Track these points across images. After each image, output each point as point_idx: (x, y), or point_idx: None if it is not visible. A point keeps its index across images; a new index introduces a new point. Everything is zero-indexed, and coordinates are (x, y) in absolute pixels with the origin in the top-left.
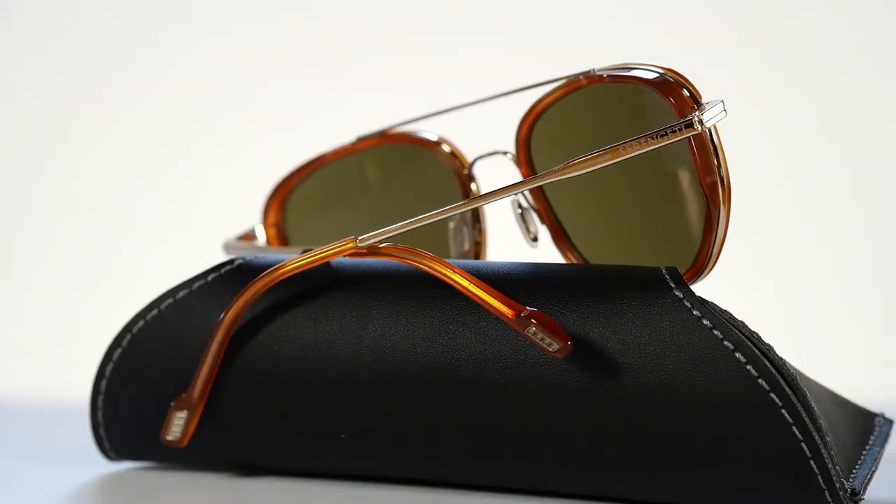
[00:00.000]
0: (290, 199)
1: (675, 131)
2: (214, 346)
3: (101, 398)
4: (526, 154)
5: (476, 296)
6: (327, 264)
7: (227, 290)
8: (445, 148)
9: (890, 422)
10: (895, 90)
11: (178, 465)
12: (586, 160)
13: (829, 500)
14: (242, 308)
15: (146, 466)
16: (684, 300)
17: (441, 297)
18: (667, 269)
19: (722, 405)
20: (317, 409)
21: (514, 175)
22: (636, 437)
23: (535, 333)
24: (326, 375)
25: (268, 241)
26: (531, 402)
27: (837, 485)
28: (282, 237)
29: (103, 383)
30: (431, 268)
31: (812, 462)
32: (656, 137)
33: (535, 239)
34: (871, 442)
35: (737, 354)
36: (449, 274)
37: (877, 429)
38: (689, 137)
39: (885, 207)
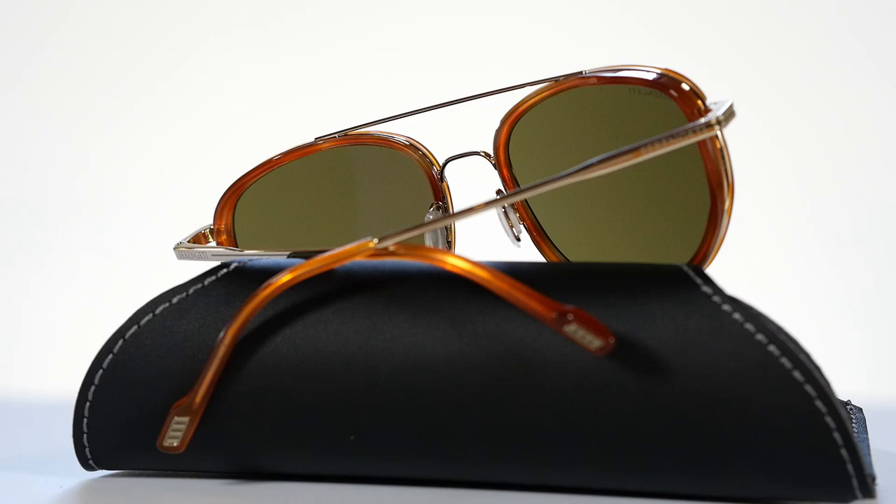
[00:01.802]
0: (242, 202)
1: (695, 131)
2: (222, 350)
3: (87, 405)
4: (506, 156)
5: (512, 295)
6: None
7: (225, 294)
8: (413, 148)
9: (859, 409)
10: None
11: (160, 473)
12: (609, 161)
13: (856, 485)
14: (255, 310)
15: (128, 473)
16: (713, 296)
17: (460, 298)
18: (688, 265)
19: (757, 398)
20: (330, 412)
21: (488, 176)
22: (668, 433)
23: (575, 331)
24: (341, 379)
25: (219, 244)
26: (557, 402)
27: (865, 471)
28: (232, 240)
29: (91, 390)
30: (463, 269)
31: (843, 450)
32: (677, 137)
33: (518, 238)
34: (855, 429)
35: (770, 348)
36: (480, 273)
37: (853, 416)
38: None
39: (885, 205)
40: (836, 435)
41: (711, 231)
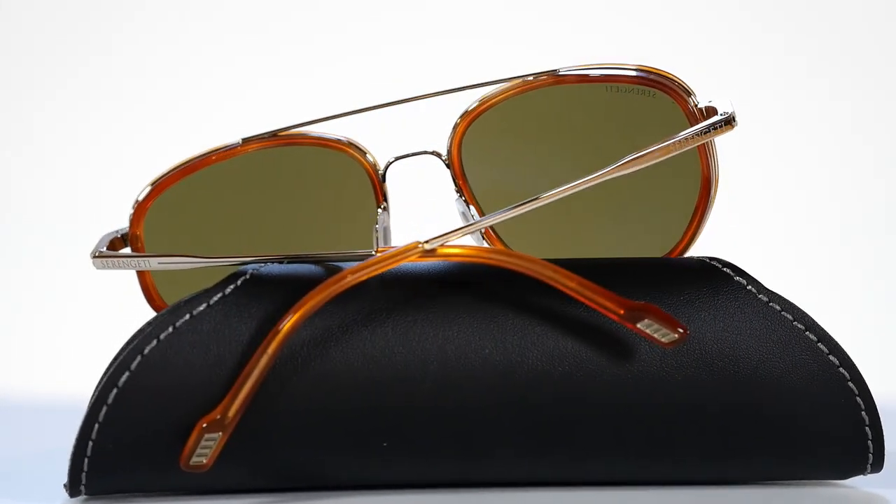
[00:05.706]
0: (160, 206)
1: (716, 129)
2: (264, 360)
3: (97, 427)
4: (459, 156)
5: (581, 293)
6: None
7: (249, 303)
8: (354, 148)
9: None
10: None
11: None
12: (638, 159)
13: (872, 461)
14: (302, 319)
15: (110, 497)
16: (748, 286)
17: (503, 295)
18: (715, 259)
19: (800, 386)
20: (372, 419)
21: (431, 176)
22: (716, 421)
23: (648, 326)
24: (385, 384)
25: (135, 251)
26: (607, 396)
27: (883, 448)
28: (143, 245)
29: (104, 411)
30: (529, 268)
31: (868, 428)
32: (698, 136)
33: (484, 237)
34: None
35: (808, 334)
36: (546, 272)
37: None
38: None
39: (880, 204)
40: (864, 414)
41: (695, 223)
